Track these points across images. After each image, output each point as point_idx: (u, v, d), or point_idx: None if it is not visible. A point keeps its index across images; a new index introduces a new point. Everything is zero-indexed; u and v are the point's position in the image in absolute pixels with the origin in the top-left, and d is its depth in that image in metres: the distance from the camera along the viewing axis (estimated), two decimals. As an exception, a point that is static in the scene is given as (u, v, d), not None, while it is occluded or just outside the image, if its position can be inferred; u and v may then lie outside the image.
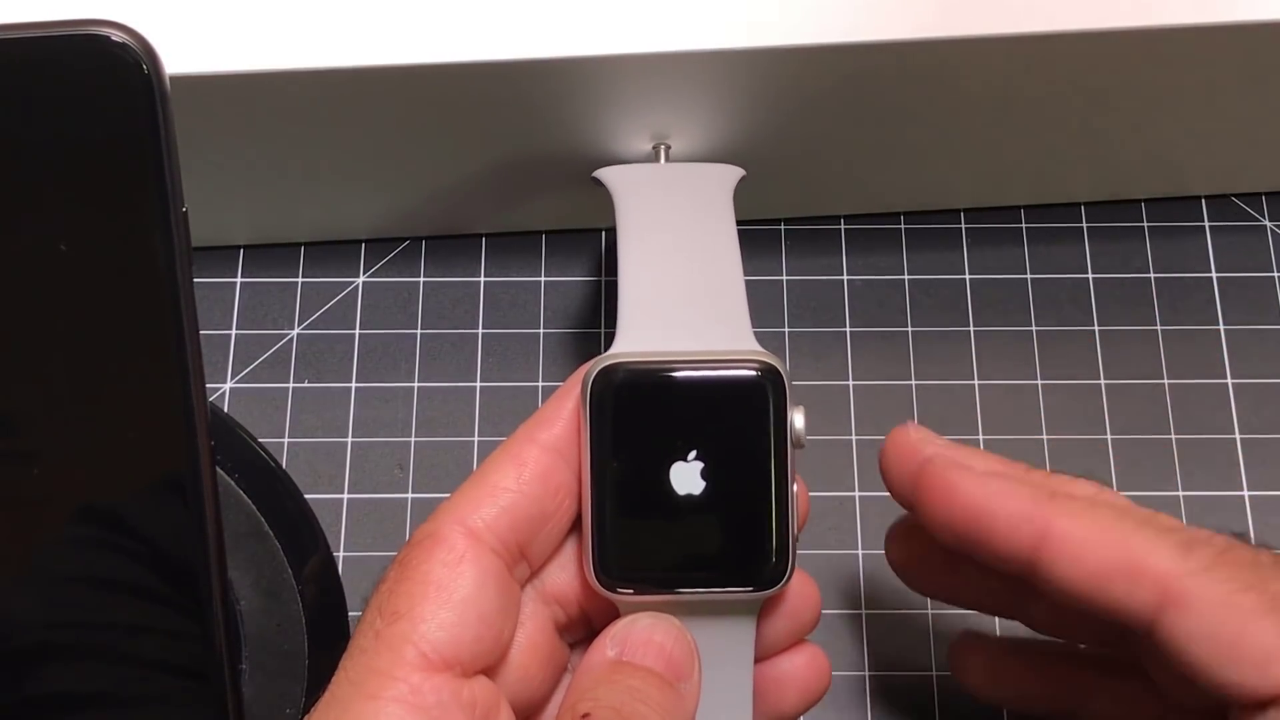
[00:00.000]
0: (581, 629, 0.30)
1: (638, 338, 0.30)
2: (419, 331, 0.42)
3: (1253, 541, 0.29)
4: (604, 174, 0.35)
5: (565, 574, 0.29)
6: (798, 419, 0.29)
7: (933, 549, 0.31)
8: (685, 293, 0.31)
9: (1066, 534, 0.27)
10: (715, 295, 0.31)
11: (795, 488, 0.29)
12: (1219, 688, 0.26)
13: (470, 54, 0.34)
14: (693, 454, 0.29)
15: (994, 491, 0.28)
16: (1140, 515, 0.28)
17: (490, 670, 0.27)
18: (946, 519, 0.29)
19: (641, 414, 0.29)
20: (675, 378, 0.29)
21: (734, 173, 0.35)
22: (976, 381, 0.42)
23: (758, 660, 0.30)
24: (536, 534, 0.28)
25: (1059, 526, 0.28)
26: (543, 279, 0.43)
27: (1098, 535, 0.27)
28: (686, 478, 0.29)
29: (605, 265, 0.43)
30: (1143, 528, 0.27)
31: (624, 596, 0.29)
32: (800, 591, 0.30)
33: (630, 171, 0.36)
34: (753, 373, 0.29)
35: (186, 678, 0.28)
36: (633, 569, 0.29)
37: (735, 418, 0.29)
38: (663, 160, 0.38)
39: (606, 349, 0.30)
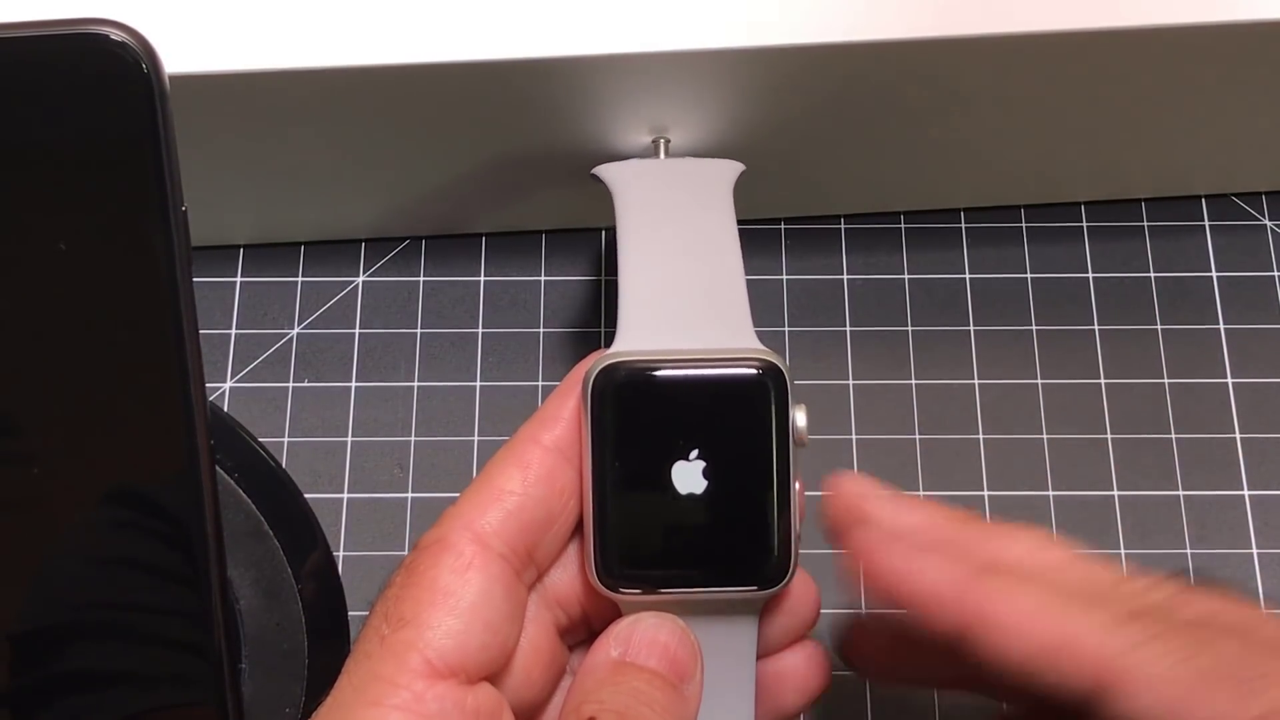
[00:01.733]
0: (582, 630, 0.30)
1: (639, 336, 0.30)
2: (419, 331, 0.42)
3: (1195, 579, 0.28)
4: (603, 170, 0.35)
5: (566, 575, 0.29)
6: (799, 417, 0.29)
7: (882, 642, 0.31)
8: (686, 290, 0.31)
9: (996, 618, 0.26)
10: (716, 293, 0.31)
11: (798, 486, 0.29)
12: None
13: (469, 53, 0.34)
14: (694, 453, 0.28)
15: (922, 571, 0.27)
16: (1075, 584, 0.27)
17: (494, 677, 0.27)
18: (878, 590, 0.28)
19: (643, 413, 0.29)
20: (677, 376, 0.29)
21: (734, 167, 0.35)
22: (976, 381, 0.42)
23: (758, 658, 0.30)
24: (543, 536, 0.28)
25: (989, 611, 0.26)
26: (543, 278, 0.43)
27: (1028, 619, 0.26)
28: (688, 477, 0.28)
29: (605, 264, 0.43)
30: (1075, 604, 0.26)
31: (625, 596, 0.29)
32: (800, 589, 0.30)
33: (629, 167, 0.36)
34: (754, 371, 0.29)
35: (186, 676, 0.28)
36: (634, 569, 0.28)
37: (737, 416, 0.29)
38: (662, 155, 0.38)
39: (607, 348, 0.30)
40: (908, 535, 0.28)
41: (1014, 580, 0.27)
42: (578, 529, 0.29)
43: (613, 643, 0.28)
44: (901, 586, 0.27)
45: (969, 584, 0.27)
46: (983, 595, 0.26)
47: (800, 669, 0.30)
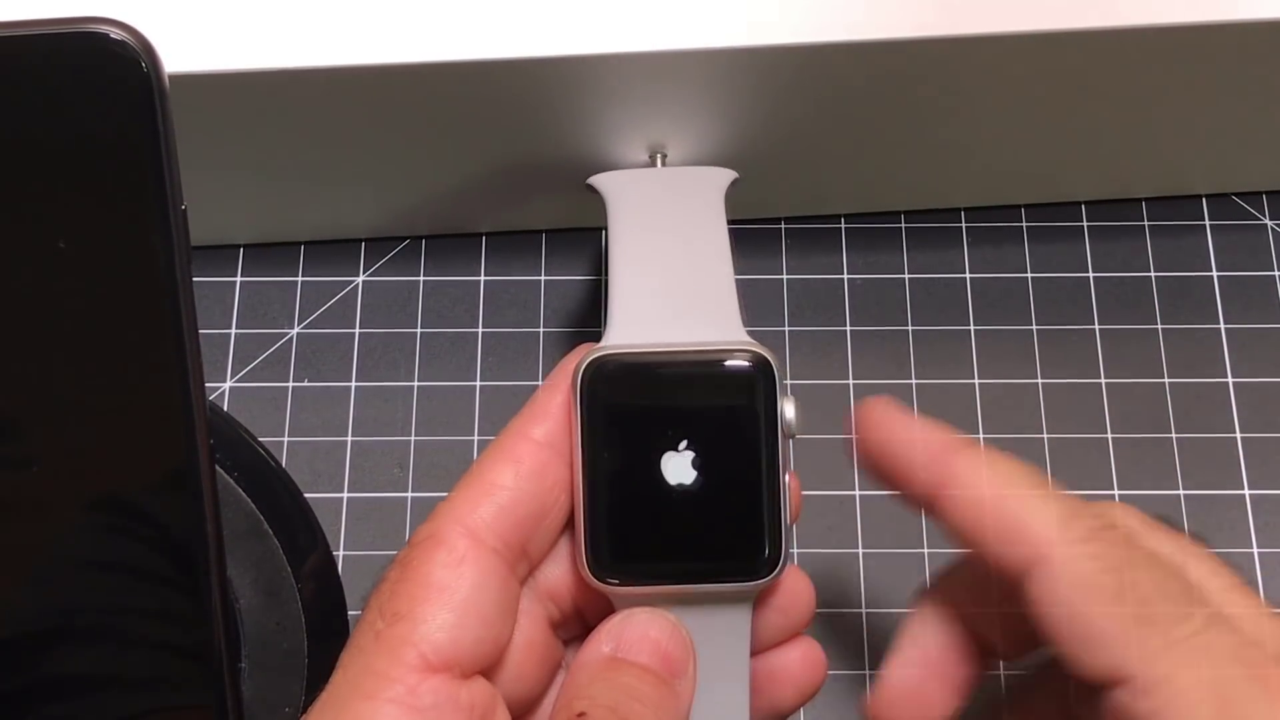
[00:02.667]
0: (576, 625, 0.30)
1: (628, 330, 0.30)
2: (419, 331, 0.42)
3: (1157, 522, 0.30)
4: (597, 180, 0.36)
5: (559, 570, 0.29)
6: (788, 409, 0.29)
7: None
8: (675, 287, 0.31)
9: (964, 486, 0.29)
10: (705, 289, 0.31)
11: (788, 478, 0.29)
12: (1064, 658, 0.27)
13: (469, 53, 0.34)
14: (684, 444, 0.29)
15: (910, 432, 0.30)
16: (1035, 480, 0.29)
17: (488, 671, 0.27)
18: (870, 450, 0.30)
19: (632, 405, 0.29)
20: (666, 369, 0.29)
21: (726, 175, 0.36)
22: (976, 381, 0.42)
23: (754, 654, 0.30)
24: (536, 531, 0.28)
25: (957, 478, 0.29)
26: (543, 278, 0.43)
27: (987, 493, 0.28)
28: (678, 468, 0.29)
29: (605, 264, 0.43)
30: (1031, 495, 0.28)
31: (616, 589, 0.29)
32: (793, 584, 0.30)
33: (622, 176, 0.36)
34: (743, 363, 0.29)
35: (186, 676, 0.28)
36: (625, 561, 0.29)
37: (726, 408, 0.29)
38: (659, 167, 0.38)
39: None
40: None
41: (986, 458, 0.29)
42: (569, 523, 0.29)
43: (605, 639, 0.28)
44: (890, 444, 0.30)
45: (946, 451, 0.29)
46: (956, 463, 0.29)
47: (796, 665, 0.30)
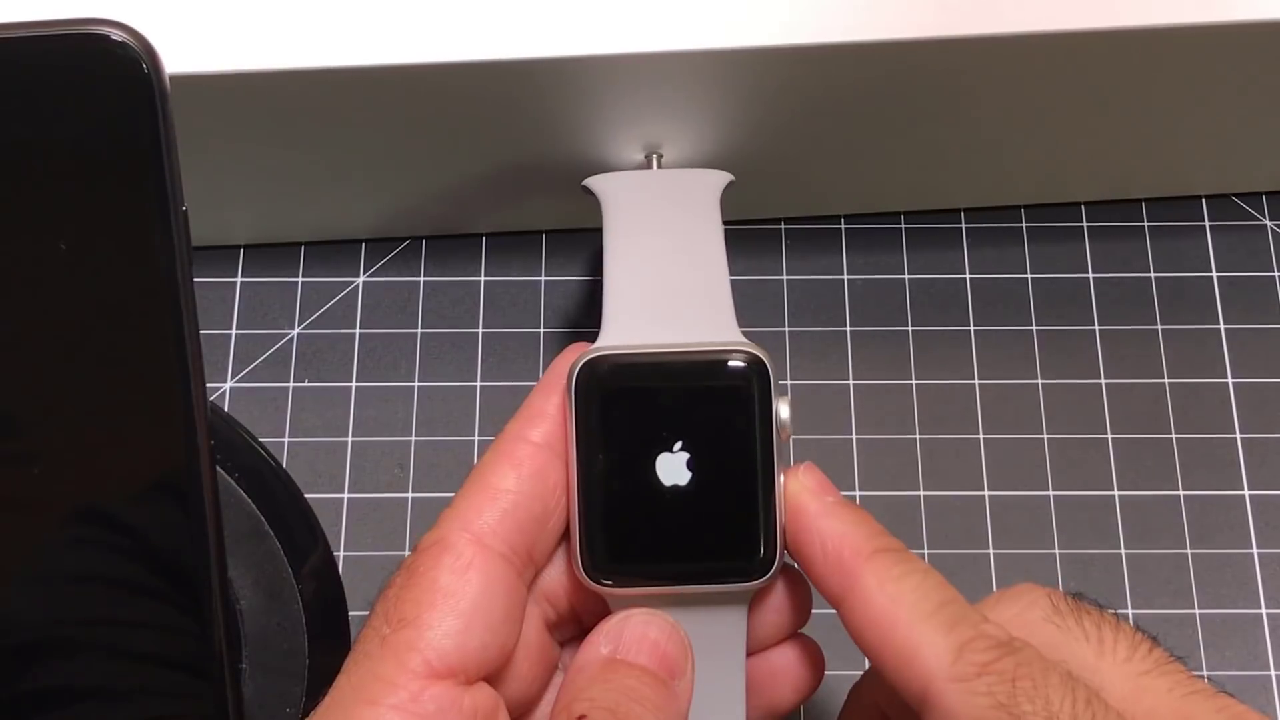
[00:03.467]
0: (572, 627, 0.30)
1: (622, 331, 0.30)
2: (419, 331, 0.42)
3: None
4: (592, 181, 0.36)
5: (555, 571, 0.29)
6: (783, 409, 0.29)
7: None
8: (670, 288, 0.31)
9: (865, 600, 0.27)
10: (700, 290, 0.31)
11: (783, 479, 0.29)
12: None
13: (468, 54, 0.34)
14: (678, 445, 0.29)
15: (825, 528, 0.28)
16: (939, 599, 0.27)
17: (492, 677, 0.27)
18: (790, 536, 0.29)
19: (627, 406, 0.29)
20: (660, 369, 0.29)
21: (722, 177, 0.36)
22: (976, 381, 0.42)
23: (751, 653, 0.30)
24: (540, 533, 0.28)
25: (862, 587, 0.27)
26: (543, 279, 0.43)
27: (888, 612, 0.27)
28: (673, 469, 0.29)
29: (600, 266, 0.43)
30: (932, 617, 0.27)
31: (612, 590, 0.29)
32: (791, 584, 0.30)
33: (618, 178, 0.36)
34: (737, 363, 0.29)
35: (187, 677, 0.28)
36: (620, 562, 0.29)
37: (720, 408, 0.29)
38: (654, 169, 0.38)
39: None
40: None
41: (898, 571, 0.27)
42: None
43: (603, 640, 0.28)
44: (800, 533, 0.28)
45: (855, 557, 0.28)
46: (862, 573, 0.27)
47: (793, 665, 0.30)
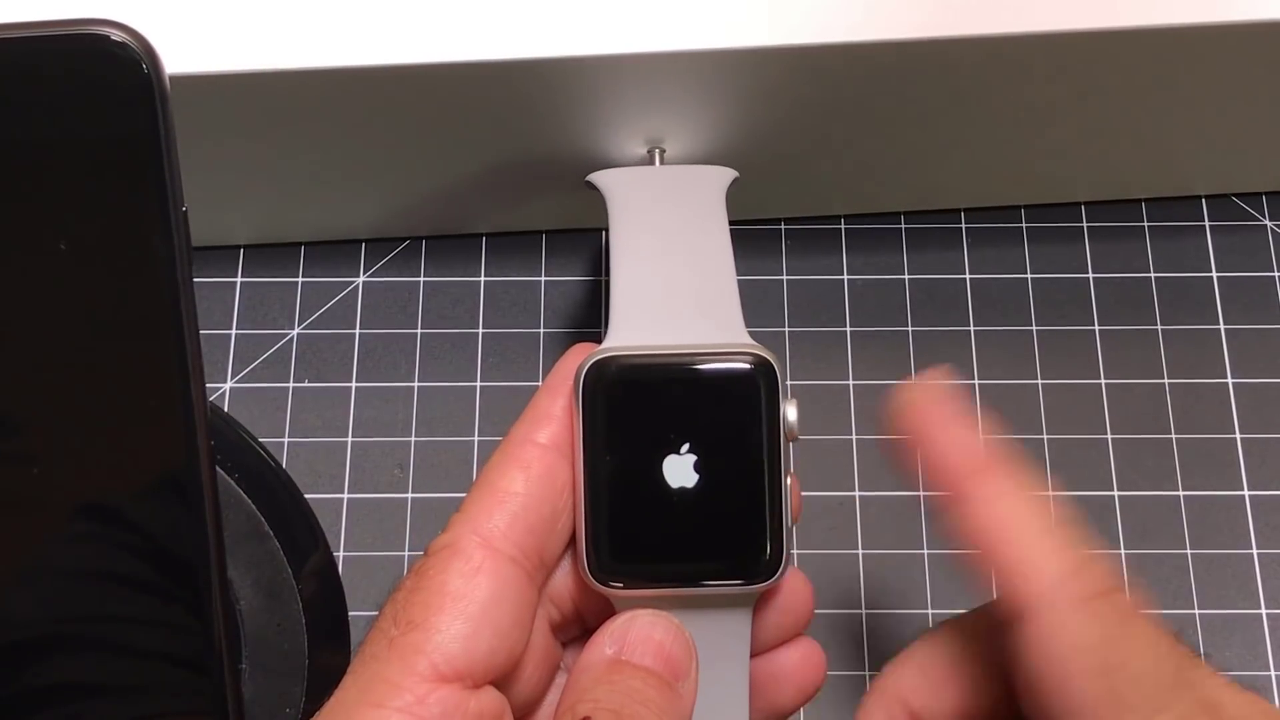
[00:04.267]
0: (575, 627, 0.30)
1: (630, 332, 0.30)
2: (419, 331, 0.42)
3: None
4: (597, 178, 0.36)
5: (560, 572, 0.29)
6: (790, 411, 0.29)
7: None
8: (677, 289, 0.31)
9: (980, 509, 0.28)
10: (707, 291, 0.31)
11: (790, 481, 0.29)
12: (1030, 715, 0.27)
13: (468, 54, 0.34)
14: (686, 447, 0.29)
15: (950, 438, 0.29)
16: (1059, 518, 0.28)
17: (499, 681, 0.27)
18: (910, 439, 0.29)
19: (634, 407, 0.29)
20: (668, 371, 0.29)
21: (727, 174, 0.36)
22: (976, 381, 0.42)
23: (754, 655, 0.30)
24: (550, 535, 0.28)
25: (979, 497, 0.28)
26: (543, 279, 0.43)
27: (1009, 520, 0.28)
28: (680, 471, 0.29)
29: (605, 265, 0.43)
30: (1052, 533, 0.27)
31: (618, 591, 0.29)
32: (793, 585, 0.30)
33: (623, 174, 0.36)
34: (745, 365, 0.29)
35: (187, 674, 0.28)
36: (627, 564, 0.29)
37: (728, 410, 0.29)
38: (657, 164, 0.38)
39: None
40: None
41: (1015, 486, 0.28)
42: None
43: (608, 641, 0.28)
44: (925, 441, 0.29)
45: (977, 469, 0.28)
46: (982, 484, 0.28)
47: (796, 667, 0.30)
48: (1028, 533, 0.27)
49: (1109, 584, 0.27)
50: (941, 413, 0.29)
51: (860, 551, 0.40)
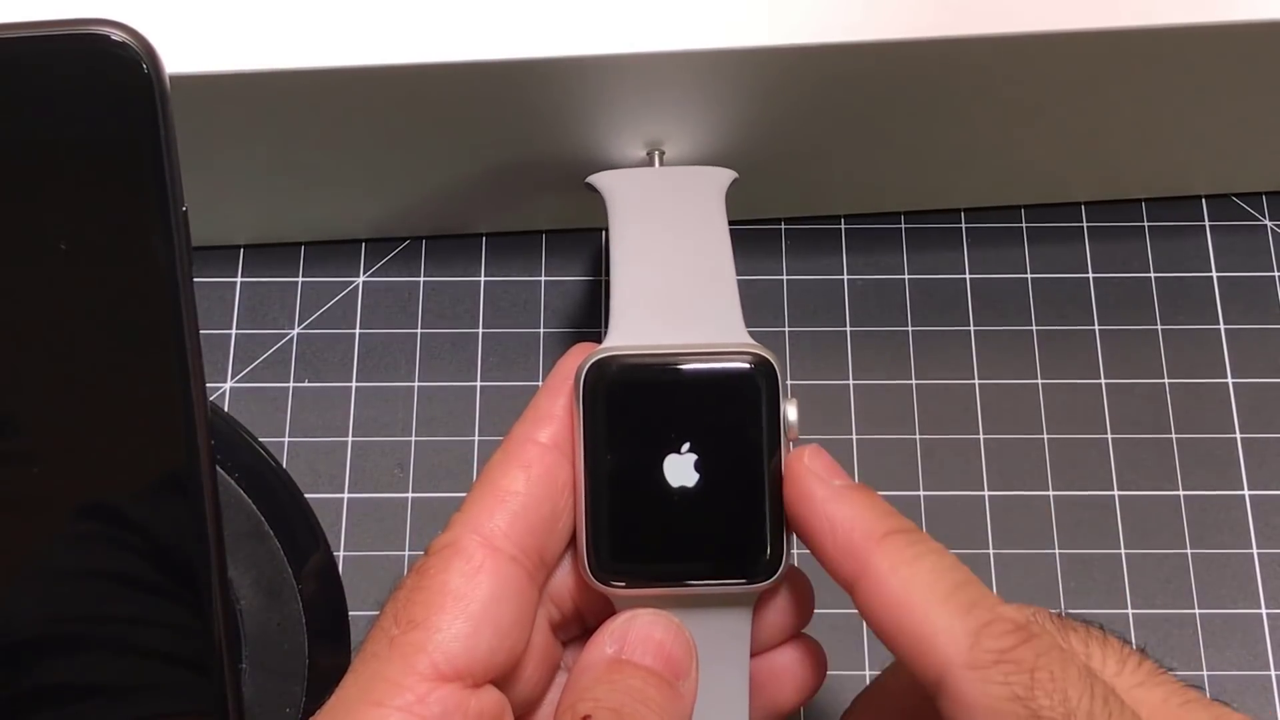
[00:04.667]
0: (575, 627, 0.30)
1: (630, 332, 0.30)
2: (419, 331, 0.42)
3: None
4: (596, 179, 0.36)
5: (560, 571, 0.29)
6: (790, 411, 0.29)
7: None
8: (677, 289, 0.31)
9: (878, 584, 0.27)
10: (707, 291, 0.31)
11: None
12: None
13: (468, 54, 0.34)
14: (686, 446, 0.29)
15: (835, 513, 0.28)
16: (954, 580, 0.27)
17: (500, 680, 0.27)
18: (796, 519, 0.28)
19: (635, 407, 0.29)
20: (668, 370, 0.29)
21: (726, 175, 0.36)
22: (976, 381, 0.42)
23: (754, 654, 0.30)
24: (551, 535, 0.28)
25: (875, 571, 0.27)
26: (543, 279, 0.43)
27: (902, 596, 0.26)
28: (680, 470, 0.29)
29: (605, 265, 0.43)
30: (948, 600, 0.26)
31: (618, 590, 0.29)
32: (794, 585, 0.30)
33: (622, 175, 0.36)
34: (745, 365, 0.29)
35: (187, 673, 0.28)
36: (627, 563, 0.29)
37: (728, 410, 0.29)
38: (657, 165, 0.38)
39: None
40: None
41: (909, 554, 0.27)
42: None
43: (608, 640, 0.28)
44: (809, 518, 0.28)
45: (867, 540, 0.27)
46: (874, 556, 0.27)
47: (796, 665, 0.30)
48: (926, 601, 0.26)
49: (1012, 639, 0.26)
50: (825, 491, 0.28)
51: (860, 551, 0.40)
